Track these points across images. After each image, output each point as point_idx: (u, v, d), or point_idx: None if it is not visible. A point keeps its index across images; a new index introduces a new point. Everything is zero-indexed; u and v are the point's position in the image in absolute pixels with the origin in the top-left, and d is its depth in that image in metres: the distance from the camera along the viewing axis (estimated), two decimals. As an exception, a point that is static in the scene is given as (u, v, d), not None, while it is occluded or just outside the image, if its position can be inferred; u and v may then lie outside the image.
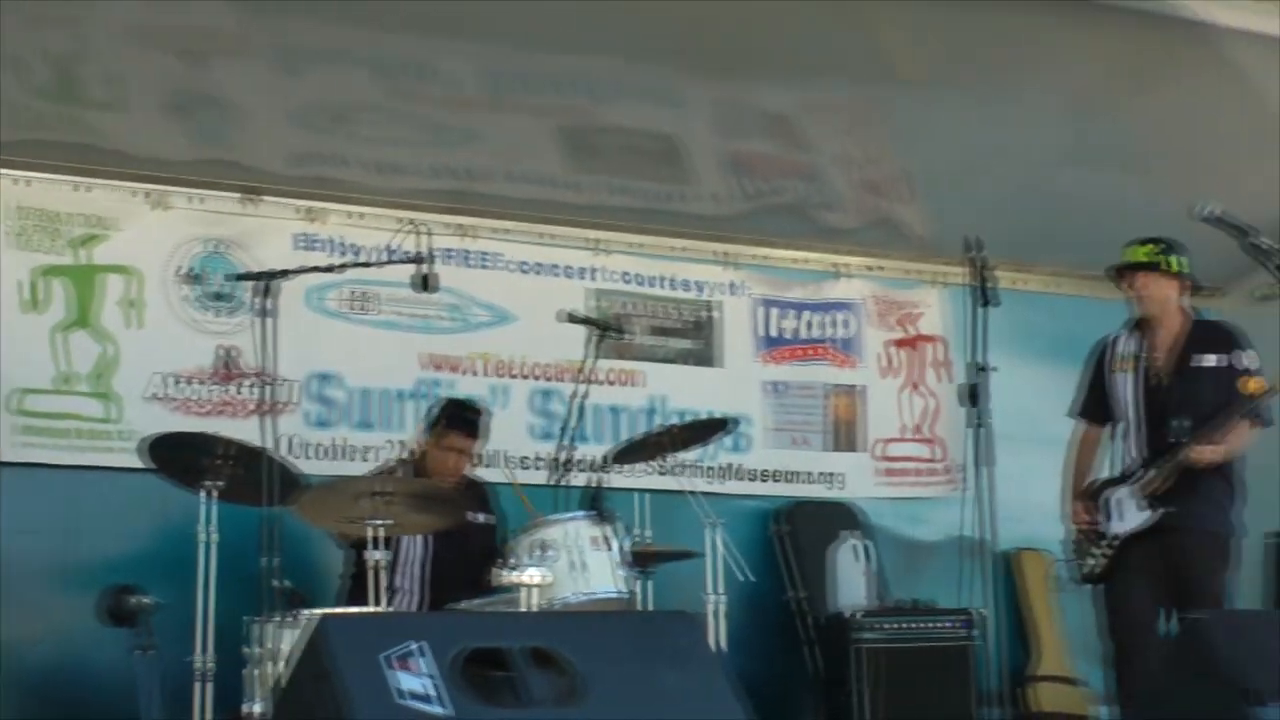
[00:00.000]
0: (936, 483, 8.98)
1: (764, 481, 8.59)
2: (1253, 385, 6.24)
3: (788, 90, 7.50)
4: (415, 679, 3.93)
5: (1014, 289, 8.82)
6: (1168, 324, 6.50)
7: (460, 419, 7.06)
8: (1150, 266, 6.44)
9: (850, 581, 7.80)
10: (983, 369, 5.56)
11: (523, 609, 5.65)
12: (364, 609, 5.71)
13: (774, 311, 8.75)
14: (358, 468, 7.44)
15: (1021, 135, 7.92)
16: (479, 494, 7.05)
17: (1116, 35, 7.02)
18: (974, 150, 7.98)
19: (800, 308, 8.80)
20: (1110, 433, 6.62)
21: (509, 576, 5.75)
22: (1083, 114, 7.83)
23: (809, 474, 8.70)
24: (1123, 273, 6.52)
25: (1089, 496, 6.55)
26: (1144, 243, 6.48)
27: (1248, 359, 6.41)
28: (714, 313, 8.59)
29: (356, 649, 3.97)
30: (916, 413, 9.01)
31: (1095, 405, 6.67)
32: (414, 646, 3.98)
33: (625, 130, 7.64)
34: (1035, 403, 8.31)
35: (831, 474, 8.73)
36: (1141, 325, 6.57)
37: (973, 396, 5.52)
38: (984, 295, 5.59)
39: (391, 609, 6.26)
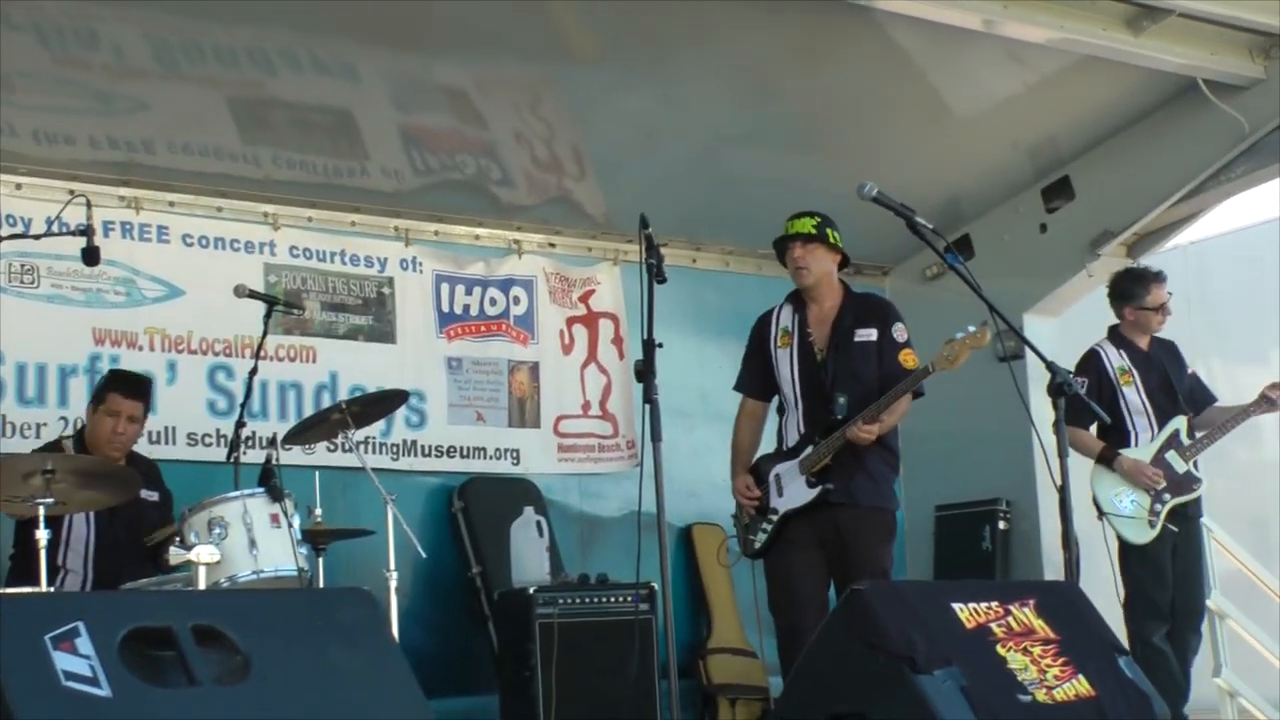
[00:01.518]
0: (614, 459, 9.09)
1: (444, 458, 8.58)
2: (911, 359, 6.41)
3: (463, 66, 7.48)
4: (76, 660, 3.83)
5: (687, 267, 9.01)
6: (826, 298, 6.58)
7: (119, 380, 6.93)
8: (813, 238, 6.50)
9: (530, 557, 7.82)
10: (653, 345, 5.60)
11: (195, 587, 5.56)
12: (25, 589, 5.54)
13: (453, 287, 8.74)
14: (23, 445, 7.20)
15: (692, 114, 8.02)
16: (149, 471, 6.89)
17: (785, 16, 7.14)
18: (646, 128, 8.07)
19: (478, 284, 8.80)
20: (777, 407, 6.71)
21: (180, 554, 5.67)
22: (752, 94, 7.95)
23: (489, 450, 8.72)
24: (786, 245, 6.56)
25: (754, 472, 6.62)
26: (805, 215, 6.55)
27: (900, 332, 6.54)
28: (391, 289, 8.54)
29: (15, 630, 3.84)
30: (593, 389, 9.09)
31: (757, 380, 6.72)
32: (74, 626, 3.87)
33: (299, 104, 7.53)
34: (708, 379, 8.52)
35: (511, 450, 8.76)
36: (799, 300, 6.64)
37: (643, 373, 5.57)
38: (655, 272, 5.64)
39: (55, 589, 6.10)
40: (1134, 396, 7.41)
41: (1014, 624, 5.10)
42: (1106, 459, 7.31)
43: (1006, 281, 8.40)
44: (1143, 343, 7.59)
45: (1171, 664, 7.20)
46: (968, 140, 8.62)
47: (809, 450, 6.41)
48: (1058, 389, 5.57)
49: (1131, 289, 7.60)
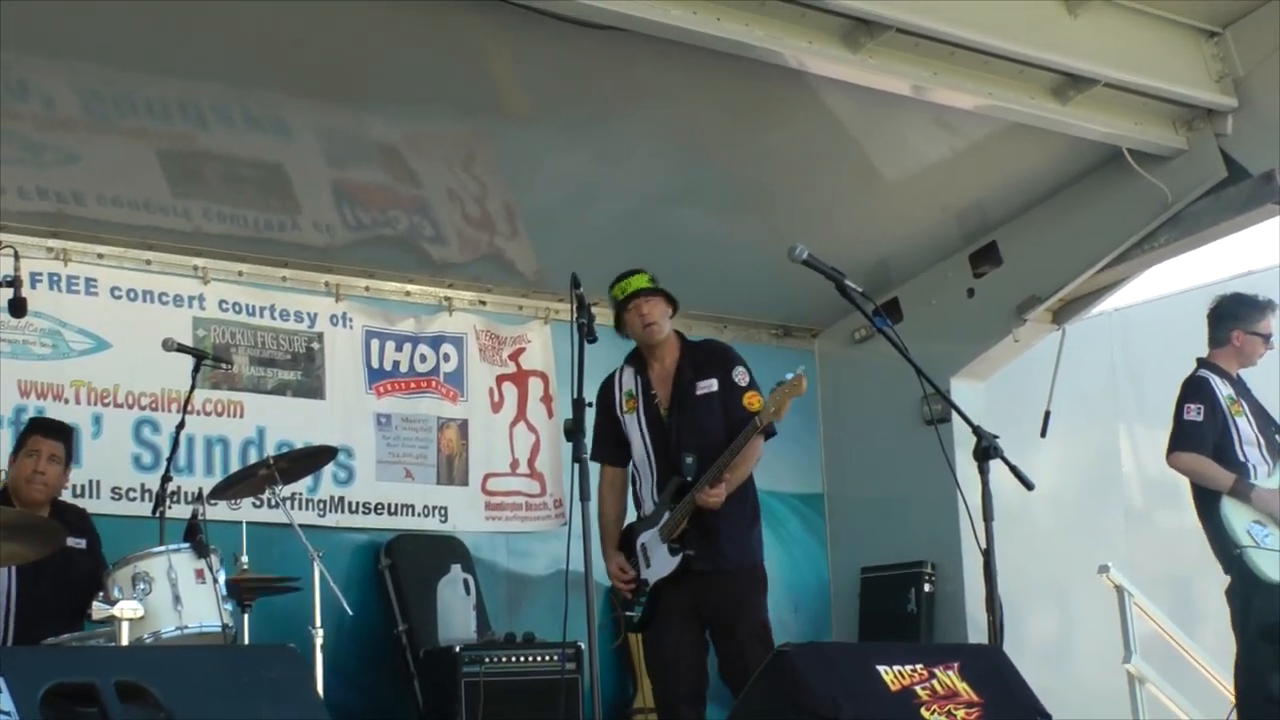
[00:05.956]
0: (541, 518, 9.07)
1: (371, 514, 8.54)
2: (754, 402, 6.25)
3: (396, 122, 7.50)
4: (-3, 717, 3.80)
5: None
6: (667, 354, 6.47)
7: (38, 423, 6.93)
8: (655, 291, 6.40)
9: (456, 615, 7.81)
10: (583, 404, 5.62)
11: (118, 643, 5.51)
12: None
13: (383, 343, 8.72)
14: (-56, 498, 7.12)
15: (625, 174, 8.07)
16: (74, 519, 6.81)
17: (719, 78, 7.18)
18: (577, 187, 8.11)
19: (409, 340, 8.79)
20: (630, 473, 6.55)
21: (103, 609, 5.62)
22: (686, 154, 8.02)
23: (417, 507, 8.69)
24: (630, 303, 6.39)
25: (624, 546, 6.46)
26: (635, 273, 6.43)
27: (741, 375, 6.40)
28: (321, 344, 8.51)
29: (-68, 687, 3.81)
30: (522, 448, 9.07)
31: (611, 447, 6.51)
32: (-6, 683, 3.84)
33: (230, 157, 7.51)
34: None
35: (439, 507, 8.73)
36: (640, 359, 6.52)
37: (573, 431, 5.58)
38: (585, 331, 5.67)
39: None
40: (1246, 427, 7.06)
41: (938, 687, 5.12)
42: (1241, 491, 6.91)
43: (934, 345, 8.49)
44: (1235, 372, 7.23)
45: None
46: (897, 204, 8.71)
47: (665, 517, 6.29)
48: (984, 453, 5.59)
49: (1244, 312, 7.24)
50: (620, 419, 6.50)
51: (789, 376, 6.05)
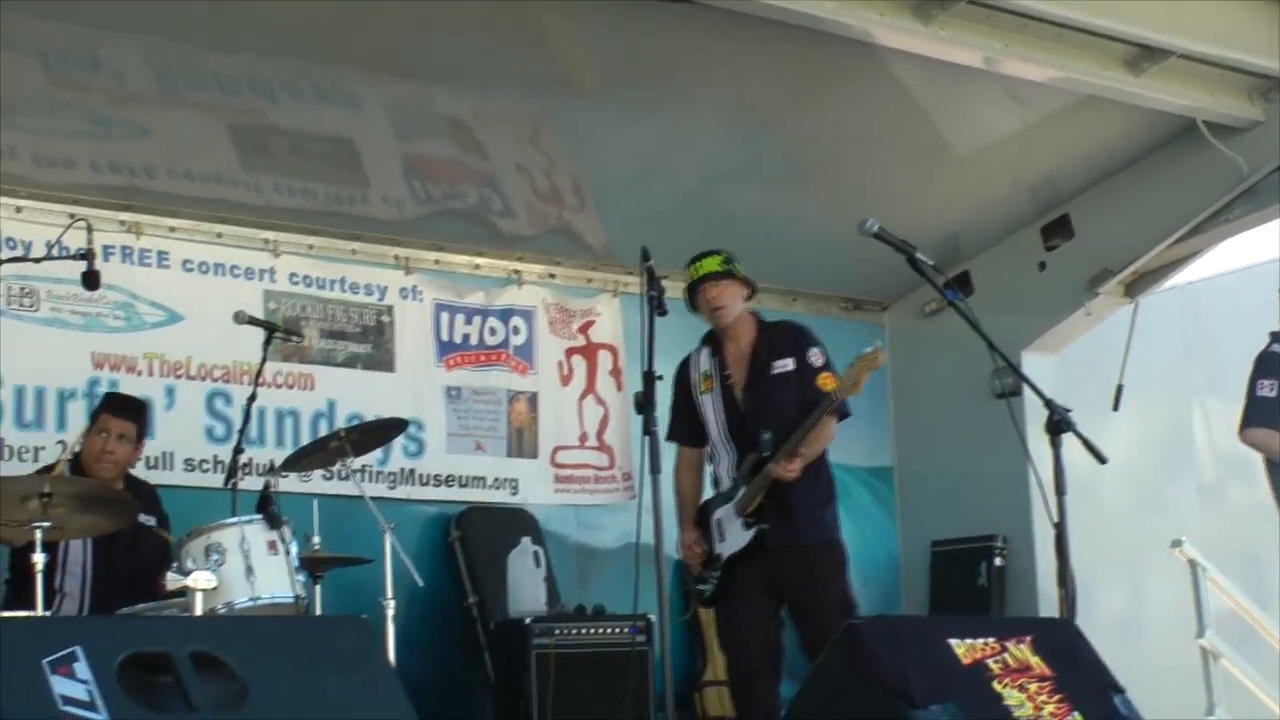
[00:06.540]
0: (610, 490, 9.09)
1: (441, 487, 8.57)
2: (828, 382, 6.20)
3: (464, 96, 7.50)
4: (74, 685, 3.83)
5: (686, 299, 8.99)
6: (742, 335, 6.47)
7: (113, 401, 6.96)
8: (724, 275, 6.41)
9: (527, 587, 7.83)
10: (653, 377, 5.62)
11: (191, 613, 5.55)
12: (21, 614, 5.53)
13: (453, 316, 8.75)
14: (22, 468, 7.19)
15: (691, 148, 8.04)
16: (145, 495, 6.88)
17: (783, 52, 7.16)
18: (645, 160, 8.09)
19: (478, 313, 8.81)
20: (707, 453, 6.56)
21: (177, 580, 5.66)
22: (751, 129, 7.99)
23: (487, 480, 8.72)
24: (698, 288, 6.43)
25: (699, 523, 6.48)
26: (708, 255, 6.44)
27: (816, 356, 6.39)
28: (391, 317, 8.54)
29: (11, 654, 3.83)
30: (591, 420, 9.09)
31: (687, 428, 6.55)
32: (72, 651, 3.87)
33: (300, 131, 7.55)
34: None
35: (509, 480, 8.76)
36: (715, 341, 6.53)
37: (643, 404, 5.58)
38: (656, 304, 5.66)
39: (53, 613, 6.08)
40: None
41: (1010, 660, 5.09)
42: None
43: (1005, 318, 8.41)
44: None
45: None
46: (967, 177, 8.65)
47: (741, 492, 6.31)
48: (1056, 426, 5.55)
49: None
50: (696, 400, 6.51)
51: (867, 350, 6.02)
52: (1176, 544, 8.22)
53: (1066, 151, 8.53)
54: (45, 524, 5.68)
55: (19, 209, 7.51)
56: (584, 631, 7.57)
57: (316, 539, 6.52)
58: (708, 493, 6.56)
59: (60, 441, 7.30)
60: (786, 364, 6.37)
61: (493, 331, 8.84)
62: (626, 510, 8.71)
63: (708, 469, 6.58)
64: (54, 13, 6.43)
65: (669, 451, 5.60)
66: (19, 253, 7.17)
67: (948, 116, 8.12)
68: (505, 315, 8.89)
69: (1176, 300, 9.81)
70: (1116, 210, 8.72)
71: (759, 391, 6.37)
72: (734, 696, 6.46)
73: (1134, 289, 9.04)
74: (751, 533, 6.25)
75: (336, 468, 7.07)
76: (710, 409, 6.47)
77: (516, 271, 8.97)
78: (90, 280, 6.02)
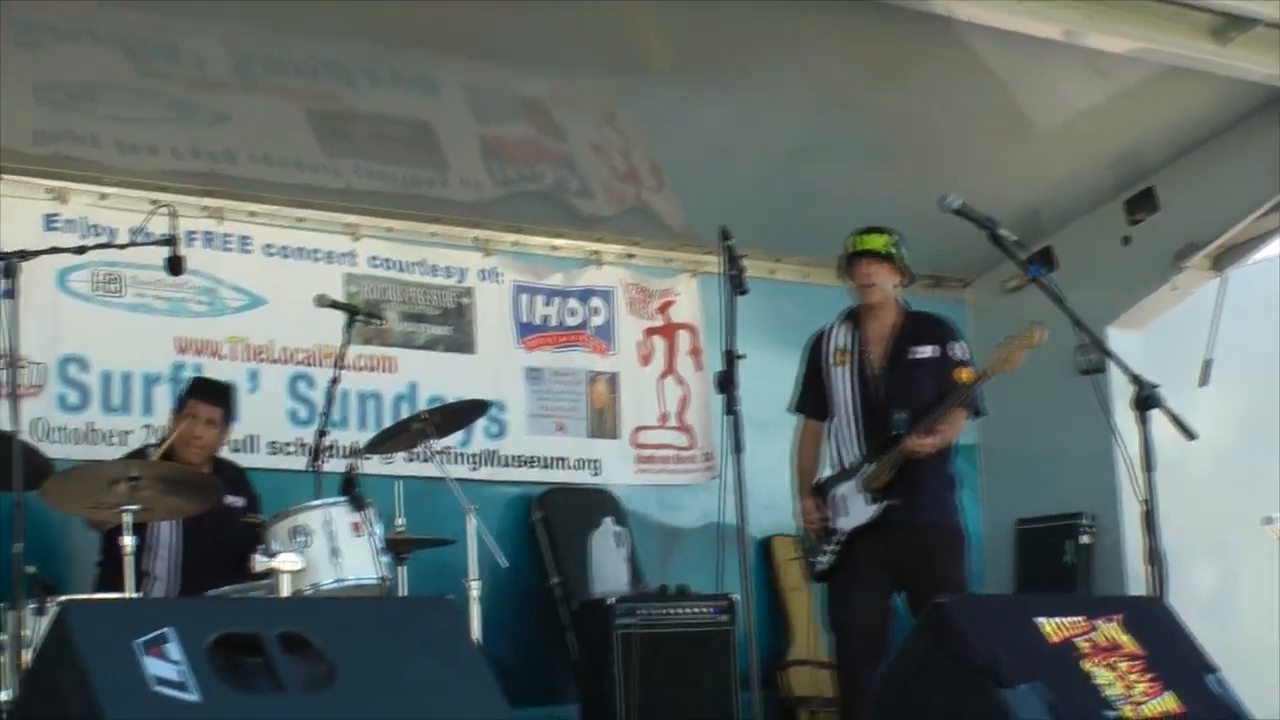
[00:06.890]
0: (691, 470, 9.07)
1: (523, 468, 8.59)
2: (966, 375, 6.25)
3: (541, 77, 7.51)
4: (166, 665, 3.87)
5: (765, 278, 8.96)
6: (884, 316, 6.50)
7: (200, 386, 7.03)
8: (884, 257, 6.44)
9: (609, 567, 7.84)
10: (735, 356, 5.60)
11: (278, 595, 5.59)
12: (113, 595, 5.60)
13: (532, 298, 8.76)
14: (110, 452, 7.29)
15: (768, 126, 7.99)
16: (233, 477, 6.94)
17: (862, 28, 7.12)
18: (723, 140, 8.05)
19: (557, 294, 8.82)
20: (829, 427, 6.59)
21: (264, 562, 5.71)
22: (830, 105, 7.94)
23: (569, 460, 8.73)
24: (855, 260, 6.48)
25: (818, 493, 6.53)
26: (878, 231, 6.47)
27: (959, 350, 6.44)
28: (470, 299, 8.56)
29: (103, 635, 3.89)
30: (671, 400, 9.07)
31: (814, 400, 6.62)
32: (164, 632, 3.90)
33: (378, 115, 7.58)
34: (787, 391, 8.46)
35: (591, 460, 8.77)
36: (856, 317, 6.56)
37: (725, 384, 5.57)
38: (736, 283, 5.64)
39: (143, 595, 6.15)
40: None
41: (1100, 639, 5.04)
42: None
43: (1089, 294, 8.28)
44: None
45: None
46: (1048, 152, 8.57)
47: (868, 467, 6.34)
48: (1143, 402, 5.49)
49: None
50: (828, 372, 6.53)
51: (1025, 330, 6.00)
52: (1267, 521, 8.11)
53: (1150, 124, 8.44)
54: (134, 507, 5.75)
55: (103, 196, 7.57)
56: (668, 611, 7.57)
57: (400, 520, 6.56)
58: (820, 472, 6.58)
59: (147, 426, 7.39)
60: (928, 351, 6.41)
61: (572, 312, 8.85)
62: (708, 490, 8.69)
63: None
64: (135, 2, 6.47)
65: (751, 431, 5.57)
66: (104, 239, 7.26)
67: (1028, 91, 8.05)
68: (584, 296, 8.89)
69: (1265, 273, 9.67)
70: (1201, 183, 8.61)
71: (897, 373, 6.40)
72: (839, 668, 6.49)
73: (1221, 262, 8.94)
74: (875, 508, 6.29)
75: (419, 450, 7.11)
76: (841, 381, 6.49)
77: (595, 252, 8.97)
78: (174, 266, 6.05)
